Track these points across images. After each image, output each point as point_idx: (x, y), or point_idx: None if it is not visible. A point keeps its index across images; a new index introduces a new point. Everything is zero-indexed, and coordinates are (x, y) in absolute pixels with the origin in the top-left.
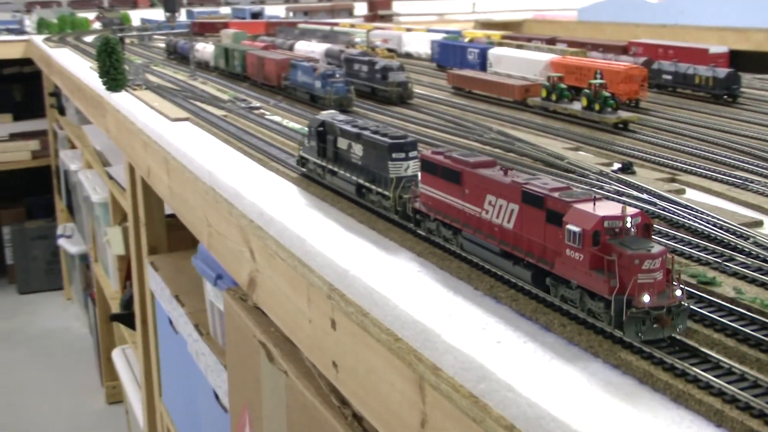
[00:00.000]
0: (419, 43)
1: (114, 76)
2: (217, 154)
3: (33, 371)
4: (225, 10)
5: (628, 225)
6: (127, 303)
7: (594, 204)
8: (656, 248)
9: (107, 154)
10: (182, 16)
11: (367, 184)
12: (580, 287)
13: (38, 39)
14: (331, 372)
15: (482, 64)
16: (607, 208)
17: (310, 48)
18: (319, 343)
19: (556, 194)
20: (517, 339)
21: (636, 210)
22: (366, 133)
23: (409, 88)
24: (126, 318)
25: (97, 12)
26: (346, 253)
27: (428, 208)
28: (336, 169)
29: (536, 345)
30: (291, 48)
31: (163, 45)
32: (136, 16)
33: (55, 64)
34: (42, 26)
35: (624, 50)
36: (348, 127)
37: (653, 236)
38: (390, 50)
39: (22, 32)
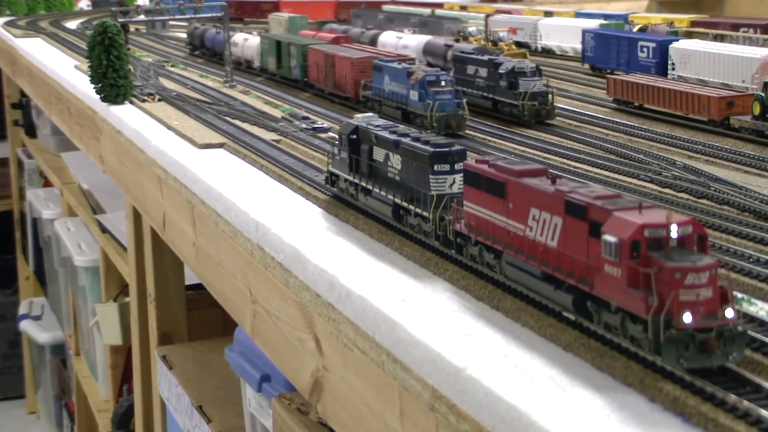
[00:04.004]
0: (564, 34)
1: (114, 81)
2: (267, 197)
3: None
4: None
5: (674, 234)
6: (123, 418)
7: (639, 212)
8: (703, 260)
9: (99, 195)
10: None
11: (405, 205)
12: (621, 309)
13: None
14: None
15: (661, 65)
16: (651, 216)
17: (401, 41)
18: None
19: (599, 203)
20: None
21: (686, 218)
22: (406, 140)
23: (550, 102)
24: None
25: None
26: (454, 342)
27: (470, 228)
28: (370, 186)
29: None
30: (373, 41)
31: (184, 35)
32: None
33: (22, 62)
34: (2, 4)
35: None
36: (386, 134)
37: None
38: (520, 45)
39: None
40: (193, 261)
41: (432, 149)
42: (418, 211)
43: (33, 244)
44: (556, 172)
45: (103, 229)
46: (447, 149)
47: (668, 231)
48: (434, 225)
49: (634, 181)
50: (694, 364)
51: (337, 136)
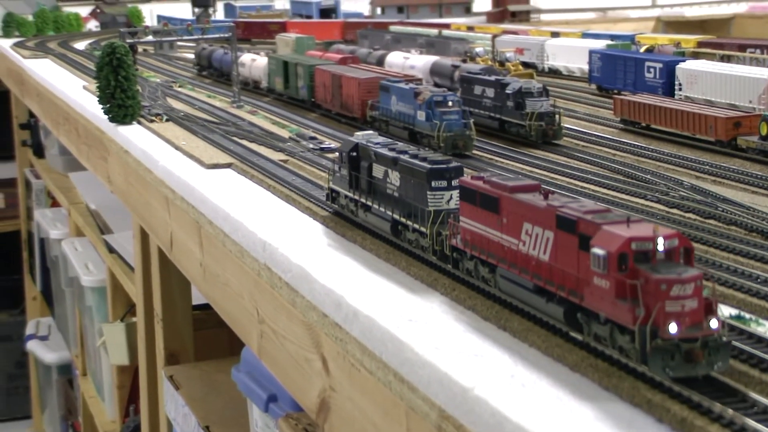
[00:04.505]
0: (570, 55)
1: (121, 102)
2: (274, 217)
3: None
4: (281, 3)
5: (661, 247)
6: None
7: (627, 225)
8: (689, 272)
9: (107, 215)
10: (219, 12)
11: (403, 220)
12: (609, 321)
13: (5, 44)
14: None
15: (668, 85)
16: (639, 230)
17: (408, 62)
18: None
19: (588, 217)
20: None
21: (672, 231)
22: (404, 157)
23: (557, 122)
24: None
25: (94, 5)
26: (461, 362)
27: (465, 243)
28: (370, 203)
29: None
30: (380, 62)
31: (191, 56)
32: (150, 12)
33: (30, 82)
34: (11, 25)
35: None
36: (384, 151)
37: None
38: (527, 65)
39: None
40: (200, 281)
41: (430, 166)
42: (416, 226)
43: (40, 264)
44: (548, 187)
45: (111, 249)
46: (444, 166)
47: (655, 244)
48: (431, 240)
49: (642, 201)
50: (679, 373)
51: (337, 154)
